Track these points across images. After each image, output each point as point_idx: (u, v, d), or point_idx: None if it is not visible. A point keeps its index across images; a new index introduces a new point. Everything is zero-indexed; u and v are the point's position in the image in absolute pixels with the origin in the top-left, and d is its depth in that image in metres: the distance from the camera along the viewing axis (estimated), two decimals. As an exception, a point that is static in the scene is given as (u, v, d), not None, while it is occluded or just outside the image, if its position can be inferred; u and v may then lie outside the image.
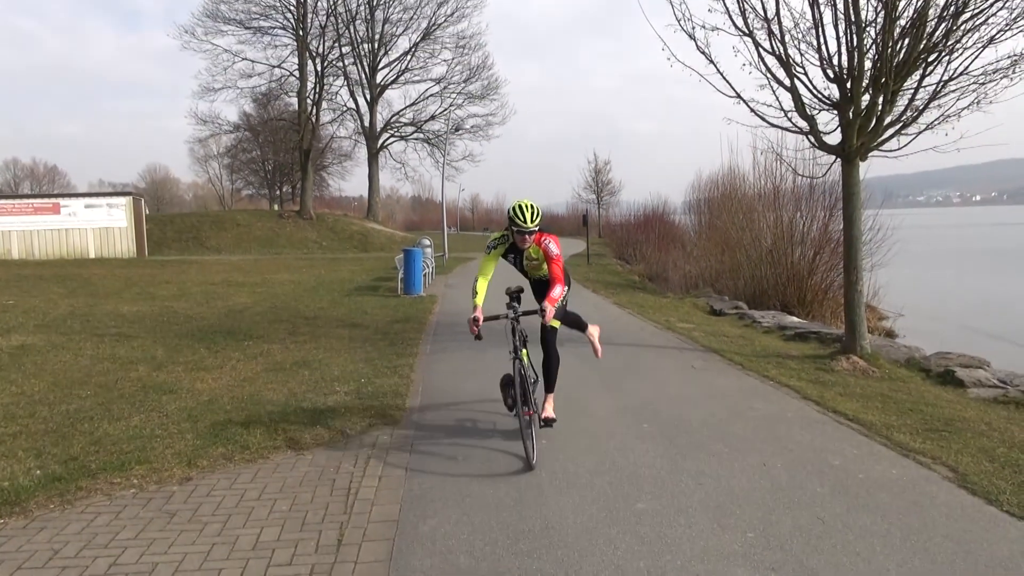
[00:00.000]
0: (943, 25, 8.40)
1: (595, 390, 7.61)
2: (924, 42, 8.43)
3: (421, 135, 52.76)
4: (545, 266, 5.71)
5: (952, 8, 8.20)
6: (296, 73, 43.58)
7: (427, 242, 22.73)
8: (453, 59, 50.86)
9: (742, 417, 6.48)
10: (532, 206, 5.42)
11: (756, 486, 4.78)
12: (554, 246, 5.60)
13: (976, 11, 8.20)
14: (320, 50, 43.95)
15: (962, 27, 8.26)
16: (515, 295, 5.76)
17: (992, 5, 8.05)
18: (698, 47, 9.65)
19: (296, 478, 5.04)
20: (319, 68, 43.88)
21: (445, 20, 49.68)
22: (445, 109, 51.07)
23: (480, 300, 5.56)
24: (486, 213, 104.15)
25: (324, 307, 14.82)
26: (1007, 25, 8.16)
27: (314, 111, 43.81)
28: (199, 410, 6.71)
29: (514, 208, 5.44)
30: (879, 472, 5.06)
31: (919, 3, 8.37)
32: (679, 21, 9.67)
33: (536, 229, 5.45)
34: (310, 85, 43.35)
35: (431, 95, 51.95)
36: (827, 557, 3.77)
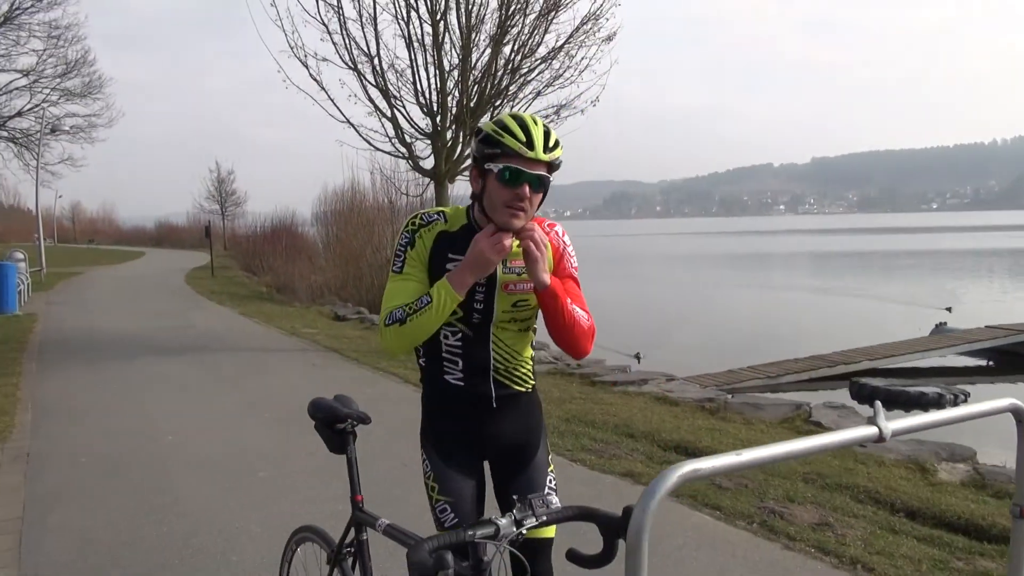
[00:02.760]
0: (506, 78, 10.54)
1: (221, 388, 8.18)
2: (492, 90, 10.49)
3: (5, 133, 45.61)
4: (533, 300, 2.16)
5: (510, 66, 10.36)
6: None
7: (20, 255, 20.30)
8: (45, 50, 44.88)
9: (352, 396, 7.61)
10: (540, 122, 2.05)
11: (361, 449, 5.88)
12: (571, 248, 2.30)
13: (527, 70, 10.49)
14: None
15: (518, 81, 10.48)
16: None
17: (536, 67, 10.38)
18: (311, 75, 10.64)
19: None
20: None
21: (32, 5, 43.68)
22: (37, 105, 44.87)
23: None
24: (90, 223, 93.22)
25: None
26: (548, 83, 10.58)
27: None
28: None
29: (502, 121, 2.02)
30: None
31: (486, 60, 10.40)
32: (292, 49, 10.56)
33: (548, 171, 2.05)
34: None
35: (17, 88, 45.20)
36: (404, 488, 5.00)
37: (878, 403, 1.45)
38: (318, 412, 2.41)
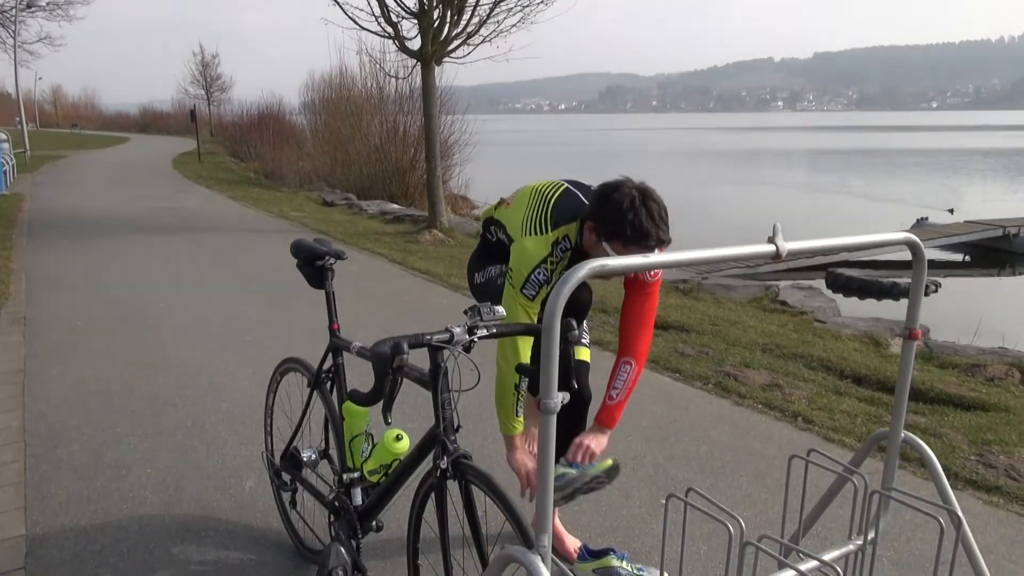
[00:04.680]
0: (496, -46, 10.25)
1: (211, 264, 8.39)
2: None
3: (-23, 10, 43.83)
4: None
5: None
6: None
7: (3, 136, 20.03)
8: (14, -82, 42.55)
9: (338, 276, 7.84)
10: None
11: (345, 319, 6.15)
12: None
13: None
14: None
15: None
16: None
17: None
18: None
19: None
20: None
21: None
22: (9, -21, 42.96)
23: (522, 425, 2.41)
24: (72, 108, 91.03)
25: None
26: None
27: None
28: None
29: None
30: (434, 300, 6.82)
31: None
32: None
33: None
34: None
35: (-13, -40, 43.12)
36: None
37: (776, 224, 1.64)
38: (300, 251, 2.59)
